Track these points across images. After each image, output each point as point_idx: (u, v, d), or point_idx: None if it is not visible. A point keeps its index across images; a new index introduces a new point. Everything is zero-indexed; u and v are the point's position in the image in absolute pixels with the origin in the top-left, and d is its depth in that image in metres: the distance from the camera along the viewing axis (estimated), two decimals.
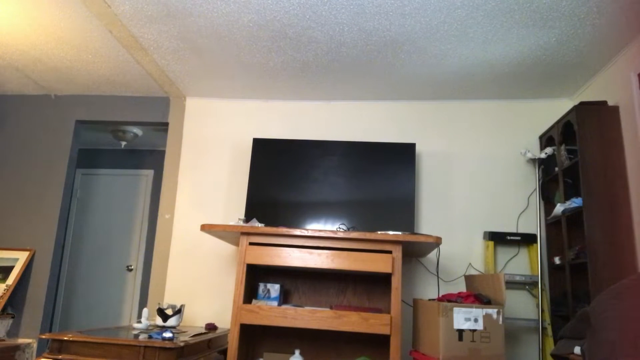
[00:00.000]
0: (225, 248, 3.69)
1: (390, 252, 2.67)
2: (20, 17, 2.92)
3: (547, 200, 3.42)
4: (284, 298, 3.19)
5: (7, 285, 3.63)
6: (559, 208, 3.15)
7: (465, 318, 2.47)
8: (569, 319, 2.96)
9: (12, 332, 3.60)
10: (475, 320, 2.47)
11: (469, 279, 3.15)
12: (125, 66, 3.52)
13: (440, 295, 2.95)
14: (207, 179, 3.86)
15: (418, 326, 2.88)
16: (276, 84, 3.69)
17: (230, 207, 3.77)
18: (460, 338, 2.44)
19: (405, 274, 3.47)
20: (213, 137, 3.93)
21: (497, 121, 3.71)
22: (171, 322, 2.99)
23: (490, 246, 3.41)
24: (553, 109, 3.55)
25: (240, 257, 2.74)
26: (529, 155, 3.42)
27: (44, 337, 2.49)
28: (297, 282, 3.22)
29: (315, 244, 2.73)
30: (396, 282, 2.62)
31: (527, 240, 3.41)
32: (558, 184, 3.25)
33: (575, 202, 2.98)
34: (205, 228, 2.81)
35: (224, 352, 3.07)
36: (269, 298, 3.02)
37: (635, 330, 1.70)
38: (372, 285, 3.15)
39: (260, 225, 2.83)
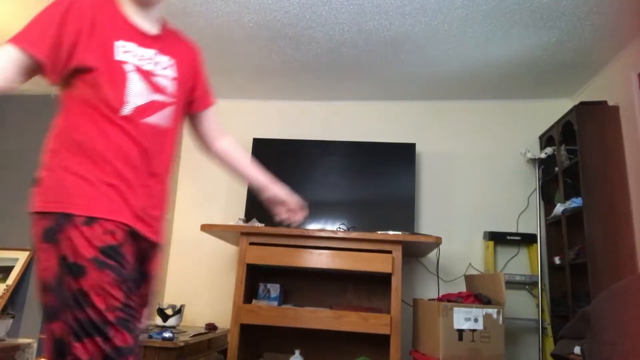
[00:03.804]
0: (225, 248, 3.69)
1: (390, 252, 2.67)
2: (20, 17, 2.92)
3: (547, 200, 3.41)
4: (284, 298, 3.19)
5: (7, 285, 3.63)
6: (559, 208, 3.14)
7: (465, 318, 2.47)
8: (569, 319, 2.96)
9: (12, 332, 3.60)
10: (475, 320, 2.47)
11: (469, 279, 3.15)
12: None
13: (440, 295, 2.95)
14: (207, 179, 3.86)
15: (418, 326, 2.88)
16: (276, 84, 3.69)
17: (230, 207, 3.77)
18: (460, 338, 2.45)
19: (405, 274, 3.46)
20: None
21: (497, 121, 3.71)
22: (171, 322, 2.99)
23: (490, 246, 3.41)
24: (553, 109, 3.55)
25: (240, 257, 2.74)
26: (529, 155, 3.42)
27: (44, 337, 2.48)
28: (297, 282, 3.22)
29: (315, 244, 2.73)
30: (396, 282, 2.62)
31: (527, 240, 3.40)
32: (558, 184, 3.25)
33: (575, 202, 2.98)
34: (205, 228, 2.81)
35: (224, 352, 3.08)
36: (269, 298, 3.02)
37: (635, 331, 1.70)
38: (372, 285, 3.15)
39: (260, 225, 2.83)
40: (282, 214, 1.54)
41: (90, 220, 1.10)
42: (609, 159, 2.91)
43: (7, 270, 3.72)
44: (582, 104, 3.04)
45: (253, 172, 1.52)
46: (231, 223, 3.45)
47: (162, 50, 1.26)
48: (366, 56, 3.16)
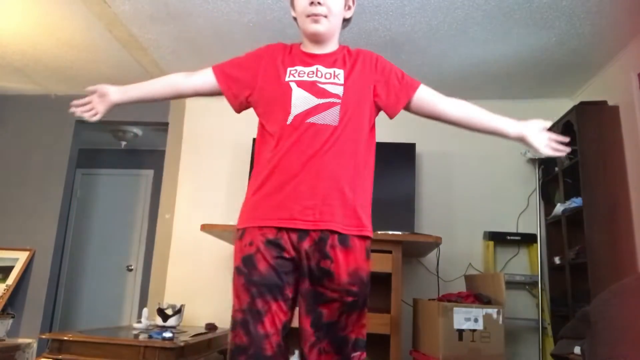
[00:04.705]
0: (225, 248, 3.69)
1: (390, 252, 2.66)
2: (20, 17, 2.92)
3: (547, 200, 3.41)
4: None
5: (7, 285, 3.63)
6: (559, 208, 3.14)
7: (465, 318, 2.47)
8: (569, 319, 2.95)
9: (12, 332, 3.60)
10: (475, 320, 2.47)
11: (469, 279, 3.15)
12: (125, 66, 3.52)
13: (440, 295, 2.95)
14: (207, 179, 3.86)
15: (418, 326, 2.88)
16: None
17: (230, 207, 3.77)
18: (460, 338, 2.45)
19: (405, 274, 3.46)
20: (213, 137, 3.93)
21: None
22: (171, 322, 2.99)
23: (490, 246, 3.40)
24: (553, 109, 3.53)
25: None
26: (529, 155, 3.42)
27: (44, 337, 2.49)
28: None
29: None
30: (396, 282, 2.62)
31: (527, 240, 3.40)
32: (558, 184, 3.25)
33: (575, 202, 2.98)
34: (205, 228, 2.81)
35: (224, 352, 3.07)
36: None
37: (635, 330, 1.70)
38: (372, 285, 3.14)
39: None
40: (545, 148, 1.53)
41: (242, 233, 1.35)
42: (609, 159, 2.90)
43: (7, 270, 3.72)
44: (582, 104, 3.04)
45: (491, 121, 1.64)
46: (231, 223, 3.45)
47: (328, 65, 1.43)
48: None
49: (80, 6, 2.77)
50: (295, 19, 1.49)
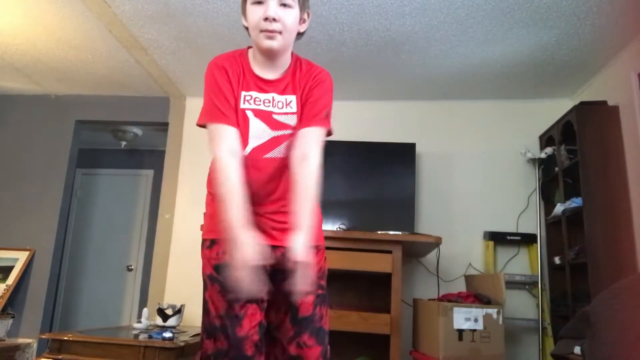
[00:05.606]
0: None
1: (390, 252, 2.66)
2: (20, 17, 2.92)
3: (547, 200, 3.41)
4: None
5: (7, 285, 3.63)
6: (559, 208, 3.14)
7: (465, 318, 2.47)
8: (569, 319, 2.95)
9: (12, 332, 3.60)
10: (475, 320, 2.47)
11: (469, 279, 3.16)
12: (125, 66, 3.52)
13: (440, 295, 2.95)
14: (207, 179, 3.86)
15: (418, 326, 2.89)
16: None
17: None
18: (460, 338, 2.45)
19: (405, 274, 3.46)
20: None
21: (497, 121, 3.71)
22: (171, 322, 2.99)
23: (490, 246, 3.40)
24: (553, 109, 3.54)
25: None
26: (529, 155, 3.42)
27: (44, 337, 2.49)
28: None
29: None
30: (396, 282, 2.62)
31: (527, 240, 3.40)
32: (558, 184, 3.25)
33: (575, 202, 2.98)
34: None
35: None
36: None
37: (635, 331, 1.70)
38: (372, 285, 3.15)
39: None
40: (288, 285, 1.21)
41: (212, 243, 1.38)
42: (609, 159, 2.90)
43: (7, 270, 3.72)
44: (582, 104, 3.04)
45: (294, 209, 1.30)
46: None
47: (281, 92, 1.42)
48: (366, 56, 3.15)
49: (80, 6, 2.77)
50: (246, 28, 1.47)
